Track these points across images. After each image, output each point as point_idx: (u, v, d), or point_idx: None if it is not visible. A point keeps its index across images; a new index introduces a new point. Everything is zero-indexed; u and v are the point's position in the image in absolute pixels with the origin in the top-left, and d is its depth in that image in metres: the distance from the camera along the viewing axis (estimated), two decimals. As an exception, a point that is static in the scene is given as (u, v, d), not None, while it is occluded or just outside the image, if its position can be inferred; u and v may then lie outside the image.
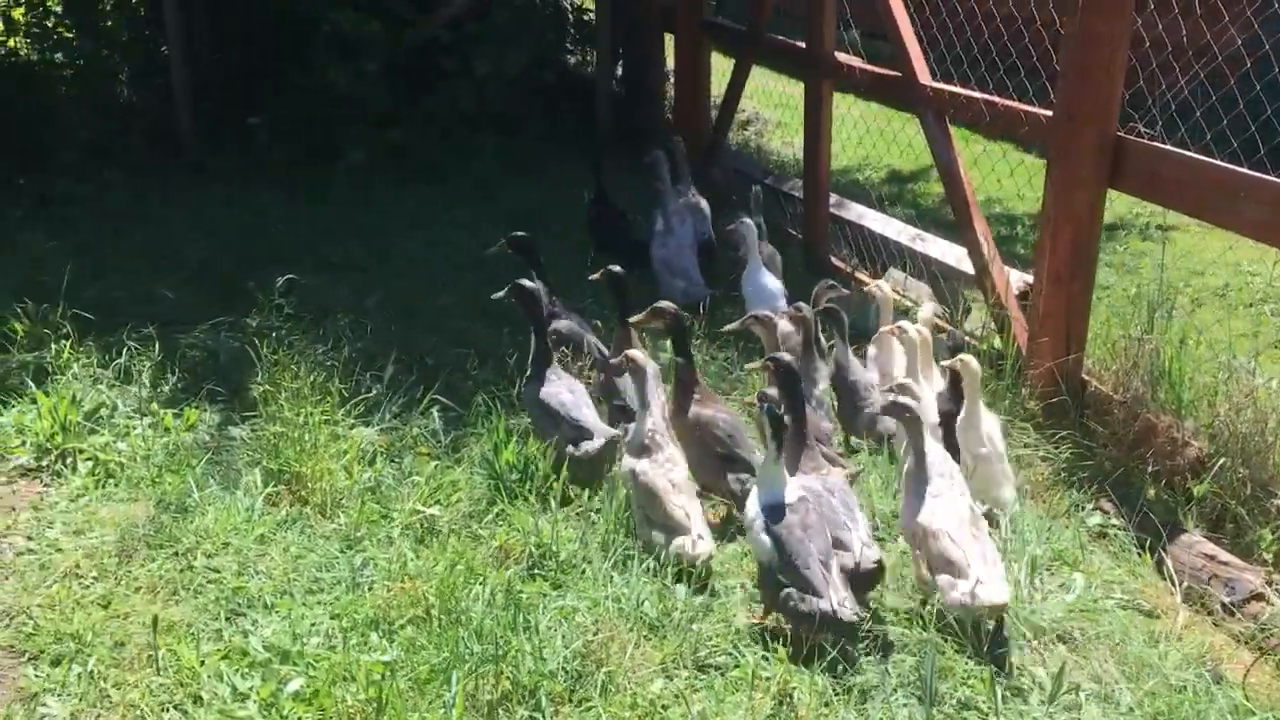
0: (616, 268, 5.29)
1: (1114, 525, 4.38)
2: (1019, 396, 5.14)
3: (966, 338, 5.39)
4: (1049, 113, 5.01)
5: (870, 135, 8.70)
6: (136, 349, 5.59)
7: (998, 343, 5.47)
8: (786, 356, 4.35)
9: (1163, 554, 4.14)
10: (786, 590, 3.68)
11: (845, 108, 10.61)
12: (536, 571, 4.14)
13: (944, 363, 4.74)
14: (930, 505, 3.86)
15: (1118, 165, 4.72)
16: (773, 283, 6.17)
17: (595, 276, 5.36)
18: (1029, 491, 4.63)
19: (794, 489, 3.87)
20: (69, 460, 4.83)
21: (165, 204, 7.76)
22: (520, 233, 5.84)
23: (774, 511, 3.79)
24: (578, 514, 4.46)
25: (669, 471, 4.29)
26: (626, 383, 4.87)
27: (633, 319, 4.98)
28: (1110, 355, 5.04)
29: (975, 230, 5.61)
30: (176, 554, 4.22)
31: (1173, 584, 4.03)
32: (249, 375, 5.52)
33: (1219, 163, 4.27)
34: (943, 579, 3.77)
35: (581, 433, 4.72)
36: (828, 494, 4.01)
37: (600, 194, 7.07)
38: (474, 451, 4.92)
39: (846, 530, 3.90)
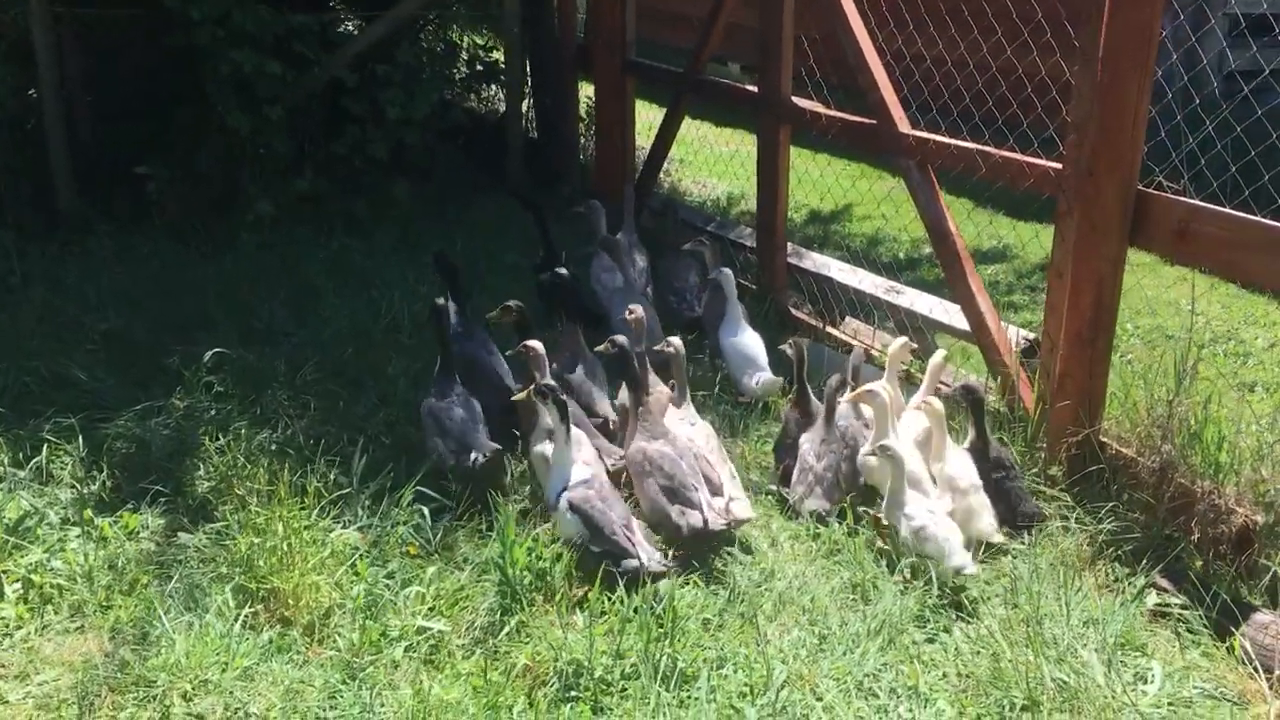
0: (563, 269, 6.00)
1: (1173, 604, 4.14)
2: (1037, 461, 4.90)
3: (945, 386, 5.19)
4: (1058, 165, 4.81)
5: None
6: (56, 443, 4.89)
7: (994, 400, 5.24)
8: (622, 338, 4.88)
9: (1239, 636, 3.91)
10: (600, 557, 4.12)
11: (737, 144, 10.44)
12: (572, 694, 3.68)
13: (911, 406, 4.96)
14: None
15: (1140, 222, 4.54)
16: (752, 339, 5.80)
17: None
18: (1076, 566, 4.37)
19: (581, 469, 4.34)
20: (-7, 585, 4.14)
21: (54, 266, 6.93)
22: (442, 250, 6.11)
23: (570, 491, 4.26)
24: (616, 625, 3.96)
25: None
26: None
27: (488, 315, 5.45)
28: (1128, 416, 4.85)
29: (970, 286, 5.36)
30: (150, 698, 3.59)
31: (1256, 669, 3.80)
32: (190, 469, 4.88)
33: (1267, 221, 4.10)
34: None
35: (466, 448, 4.73)
36: (677, 458, 4.48)
37: (552, 257, 6.55)
38: (467, 548, 4.42)
39: (694, 491, 4.40)
